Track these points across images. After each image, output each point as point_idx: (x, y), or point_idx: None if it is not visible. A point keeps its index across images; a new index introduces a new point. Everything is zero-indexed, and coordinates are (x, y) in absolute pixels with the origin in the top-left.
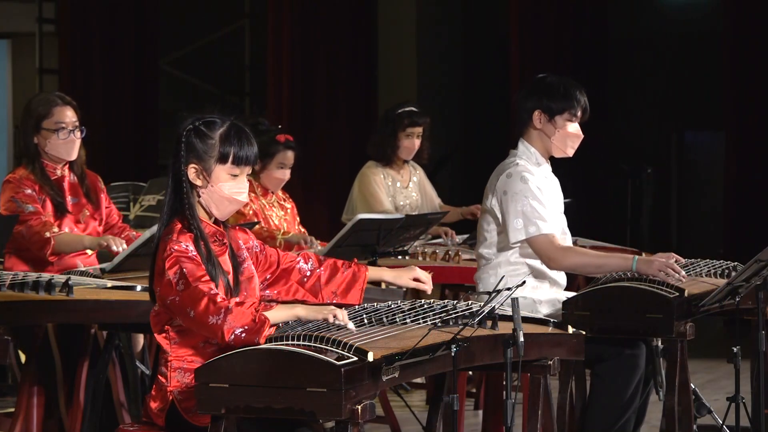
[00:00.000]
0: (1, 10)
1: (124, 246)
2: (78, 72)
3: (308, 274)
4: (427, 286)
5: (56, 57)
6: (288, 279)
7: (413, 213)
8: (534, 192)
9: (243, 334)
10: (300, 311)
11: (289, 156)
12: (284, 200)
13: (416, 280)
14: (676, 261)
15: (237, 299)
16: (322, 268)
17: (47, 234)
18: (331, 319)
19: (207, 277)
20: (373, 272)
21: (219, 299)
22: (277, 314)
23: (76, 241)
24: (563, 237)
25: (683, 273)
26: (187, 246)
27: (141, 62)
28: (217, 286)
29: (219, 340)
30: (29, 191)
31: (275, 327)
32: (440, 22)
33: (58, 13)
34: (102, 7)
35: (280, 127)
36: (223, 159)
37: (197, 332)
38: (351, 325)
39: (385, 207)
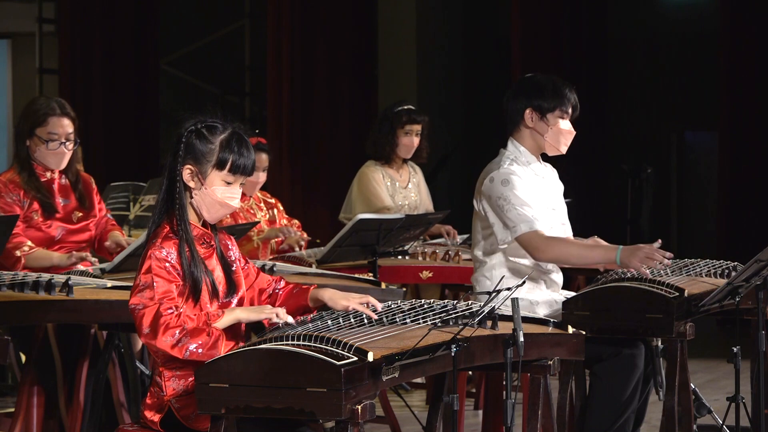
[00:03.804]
0: (1, 10)
1: (96, 260)
2: (78, 72)
3: (271, 293)
4: (370, 313)
5: (56, 57)
6: (260, 298)
7: (413, 213)
8: (517, 195)
9: (199, 350)
10: (240, 314)
11: (262, 158)
12: (263, 201)
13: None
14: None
15: (189, 315)
16: (281, 290)
17: (18, 253)
18: (275, 319)
19: (172, 294)
20: (315, 292)
21: (175, 320)
22: (223, 323)
23: (45, 258)
24: (562, 229)
25: (667, 257)
26: (167, 253)
27: (141, 62)
28: (200, 289)
29: (173, 357)
30: (10, 198)
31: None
32: (440, 21)
33: (58, 13)
34: (102, 7)
35: (257, 131)
36: (220, 165)
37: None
38: (290, 319)
39: (386, 204)
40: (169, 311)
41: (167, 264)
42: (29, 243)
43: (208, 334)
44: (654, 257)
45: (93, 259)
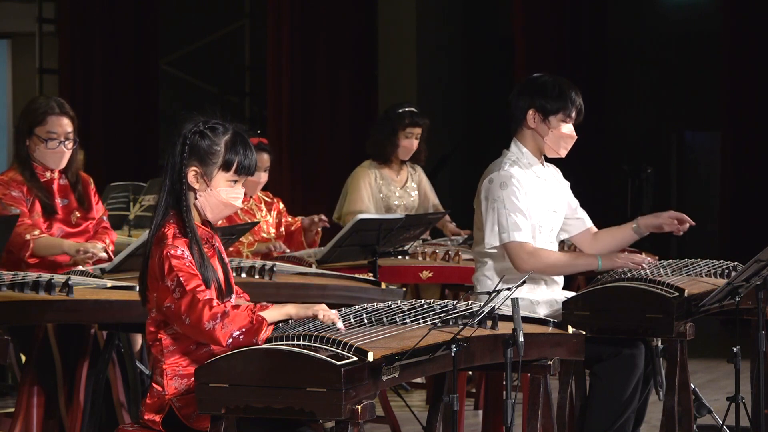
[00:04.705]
0: (1, 10)
1: (103, 249)
2: (78, 72)
3: None
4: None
5: (56, 57)
6: None
7: (412, 213)
8: (512, 201)
9: (241, 336)
10: (291, 309)
11: (264, 159)
12: (263, 202)
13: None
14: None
15: (233, 302)
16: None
17: (27, 236)
18: (321, 317)
19: (202, 286)
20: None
21: (214, 304)
22: (272, 314)
23: (55, 245)
24: (577, 224)
25: (647, 259)
26: (183, 251)
27: (141, 62)
28: (210, 289)
29: (217, 344)
30: (16, 193)
31: (272, 326)
32: (441, 21)
33: (58, 13)
34: (102, 7)
35: (259, 132)
36: (226, 167)
37: (194, 338)
38: (340, 324)
39: (363, 208)
40: (206, 297)
41: (185, 261)
42: (35, 232)
43: (251, 321)
44: (629, 263)
45: (103, 254)
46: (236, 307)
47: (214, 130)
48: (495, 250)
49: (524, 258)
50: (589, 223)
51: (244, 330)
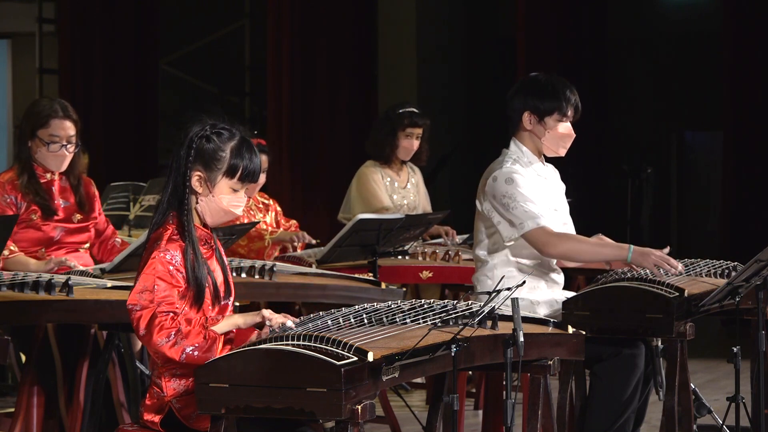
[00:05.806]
0: (1, 10)
1: (75, 264)
2: (78, 72)
3: None
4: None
5: (56, 57)
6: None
7: (412, 213)
8: (522, 192)
9: (195, 352)
10: (238, 320)
11: (262, 160)
12: (261, 203)
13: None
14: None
15: (187, 317)
16: None
17: None
18: (268, 322)
19: (172, 298)
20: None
21: (170, 322)
22: (222, 327)
23: (23, 264)
24: (564, 229)
25: (680, 266)
26: (172, 256)
27: (141, 62)
28: (204, 292)
29: (169, 361)
30: (5, 201)
31: (223, 336)
32: (441, 21)
33: (58, 13)
34: (102, 7)
35: (256, 132)
36: (231, 173)
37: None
38: (290, 323)
39: (385, 204)
40: (165, 314)
41: (171, 267)
42: (11, 247)
43: (204, 337)
44: (664, 265)
45: (72, 263)
46: (189, 322)
47: (220, 135)
48: (512, 243)
49: (549, 241)
50: (572, 231)
51: (197, 345)
